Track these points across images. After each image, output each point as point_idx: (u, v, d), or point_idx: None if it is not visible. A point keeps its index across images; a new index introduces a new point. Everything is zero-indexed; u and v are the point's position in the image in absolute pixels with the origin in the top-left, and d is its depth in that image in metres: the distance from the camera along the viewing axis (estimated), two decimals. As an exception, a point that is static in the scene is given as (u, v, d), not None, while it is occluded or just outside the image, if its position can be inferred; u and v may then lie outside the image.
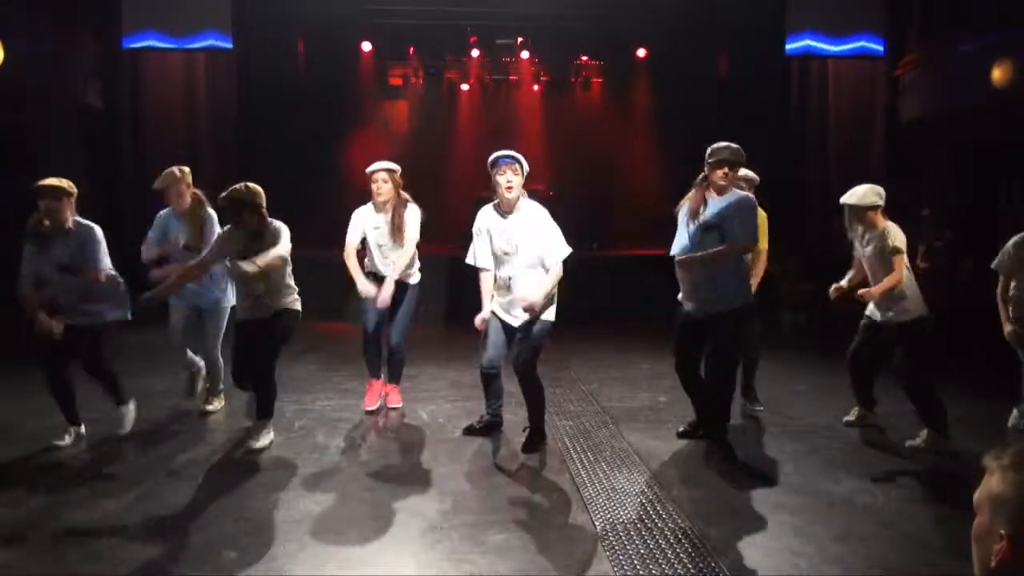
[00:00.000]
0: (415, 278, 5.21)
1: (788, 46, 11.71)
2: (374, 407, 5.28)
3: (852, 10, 11.68)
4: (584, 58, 13.84)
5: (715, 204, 4.23)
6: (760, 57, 11.70)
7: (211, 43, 11.12)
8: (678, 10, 11.57)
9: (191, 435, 4.73)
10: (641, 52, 13.57)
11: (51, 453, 4.32)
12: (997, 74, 9.24)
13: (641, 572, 2.97)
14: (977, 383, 5.87)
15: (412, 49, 13.39)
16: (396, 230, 4.98)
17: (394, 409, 5.32)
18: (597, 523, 3.42)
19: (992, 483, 1.16)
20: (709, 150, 4.26)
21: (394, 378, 5.37)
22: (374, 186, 4.99)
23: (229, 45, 11.14)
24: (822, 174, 11.81)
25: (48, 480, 3.92)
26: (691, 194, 4.36)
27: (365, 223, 5.08)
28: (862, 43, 11.73)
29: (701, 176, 4.31)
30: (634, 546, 3.18)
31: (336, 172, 11.42)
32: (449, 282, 8.65)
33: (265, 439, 4.48)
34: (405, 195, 5.04)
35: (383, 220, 5.03)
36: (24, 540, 3.24)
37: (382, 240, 5.05)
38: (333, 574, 2.95)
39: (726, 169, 4.19)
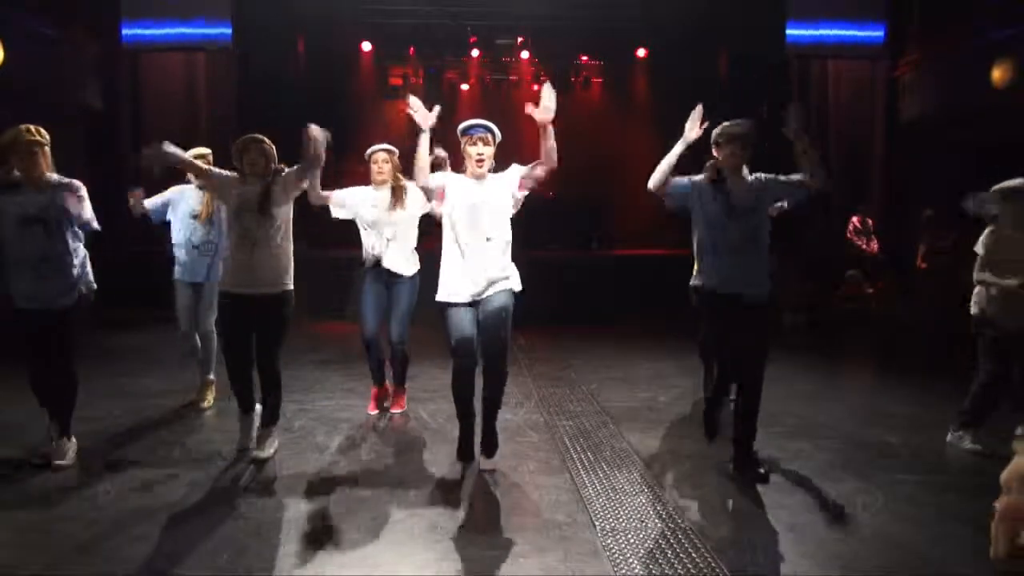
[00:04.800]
0: (413, 269, 5.11)
1: (788, 44, 11.69)
2: (376, 412, 5.25)
3: (852, 10, 11.68)
4: (584, 58, 13.86)
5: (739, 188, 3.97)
6: (760, 57, 11.70)
7: (210, 32, 11.04)
8: (678, 10, 11.57)
9: (190, 435, 4.72)
10: (641, 52, 13.58)
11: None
12: (997, 74, 9.24)
13: (641, 572, 2.96)
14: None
15: (412, 49, 13.39)
16: (396, 200, 4.96)
17: (397, 413, 5.30)
18: (597, 523, 3.41)
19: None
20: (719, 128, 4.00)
21: (398, 379, 5.31)
22: (374, 166, 5.03)
23: (228, 38, 11.06)
24: (822, 174, 11.80)
25: (44, 480, 3.92)
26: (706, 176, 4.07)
27: (358, 199, 5.04)
28: (862, 41, 11.71)
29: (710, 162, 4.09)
30: (634, 546, 3.18)
31: (336, 172, 11.41)
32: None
33: (271, 448, 4.37)
34: (402, 178, 5.04)
35: (381, 197, 5.02)
36: (23, 540, 3.24)
37: (380, 215, 4.99)
38: (333, 574, 2.95)
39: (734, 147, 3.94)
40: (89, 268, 4.25)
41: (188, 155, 4.63)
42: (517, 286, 4.17)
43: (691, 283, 4.36)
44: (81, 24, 10.33)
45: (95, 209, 4.23)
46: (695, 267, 4.29)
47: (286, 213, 4.33)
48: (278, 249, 4.26)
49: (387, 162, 5.02)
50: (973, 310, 4.45)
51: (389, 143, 5.13)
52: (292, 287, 4.33)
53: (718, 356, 4.33)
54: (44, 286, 4.04)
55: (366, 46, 13.23)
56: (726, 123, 4.01)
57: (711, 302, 4.09)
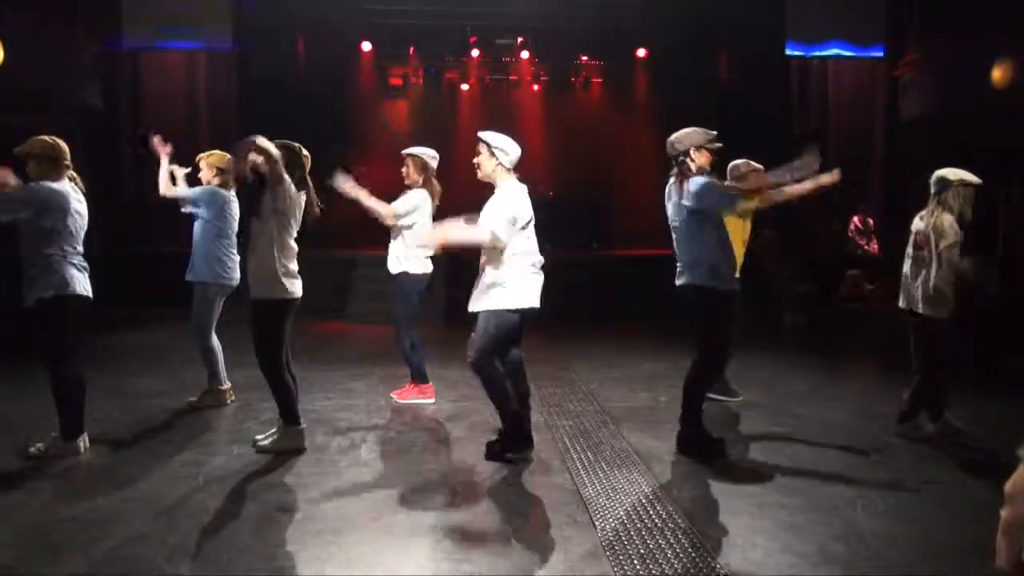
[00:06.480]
0: (399, 268, 5.36)
1: (787, 47, 11.70)
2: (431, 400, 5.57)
3: (852, 10, 11.68)
4: (584, 58, 13.85)
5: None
6: (760, 57, 11.72)
7: (211, 43, 11.14)
8: (678, 10, 11.58)
9: (190, 435, 4.72)
10: (641, 52, 13.58)
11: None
12: (997, 74, 9.24)
13: (641, 572, 2.96)
14: (977, 384, 5.86)
15: (412, 49, 13.40)
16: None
17: (401, 404, 5.50)
18: (597, 523, 3.41)
19: None
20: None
21: (412, 373, 5.62)
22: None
23: (229, 46, 11.15)
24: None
25: (46, 480, 3.92)
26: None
27: None
28: (862, 45, 11.73)
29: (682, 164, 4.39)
30: (634, 546, 3.18)
31: (336, 172, 11.39)
32: (448, 281, 8.65)
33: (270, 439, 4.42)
34: (418, 179, 5.36)
35: None
36: (23, 540, 3.25)
37: None
38: (333, 574, 2.95)
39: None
40: (62, 272, 4.09)
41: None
42: None
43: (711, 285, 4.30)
44: (81, 24, 10.33)
45: (92, 209, 4.26)
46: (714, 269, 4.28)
47: (270, 220, 4.24)
48: (264, 254, 4.22)
49: (404, 167, 5.40)
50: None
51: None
52: (277, 297, 4.22)
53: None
54: (23, 286, 4.14)
55: (366, 46, 13.23)
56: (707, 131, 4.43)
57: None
